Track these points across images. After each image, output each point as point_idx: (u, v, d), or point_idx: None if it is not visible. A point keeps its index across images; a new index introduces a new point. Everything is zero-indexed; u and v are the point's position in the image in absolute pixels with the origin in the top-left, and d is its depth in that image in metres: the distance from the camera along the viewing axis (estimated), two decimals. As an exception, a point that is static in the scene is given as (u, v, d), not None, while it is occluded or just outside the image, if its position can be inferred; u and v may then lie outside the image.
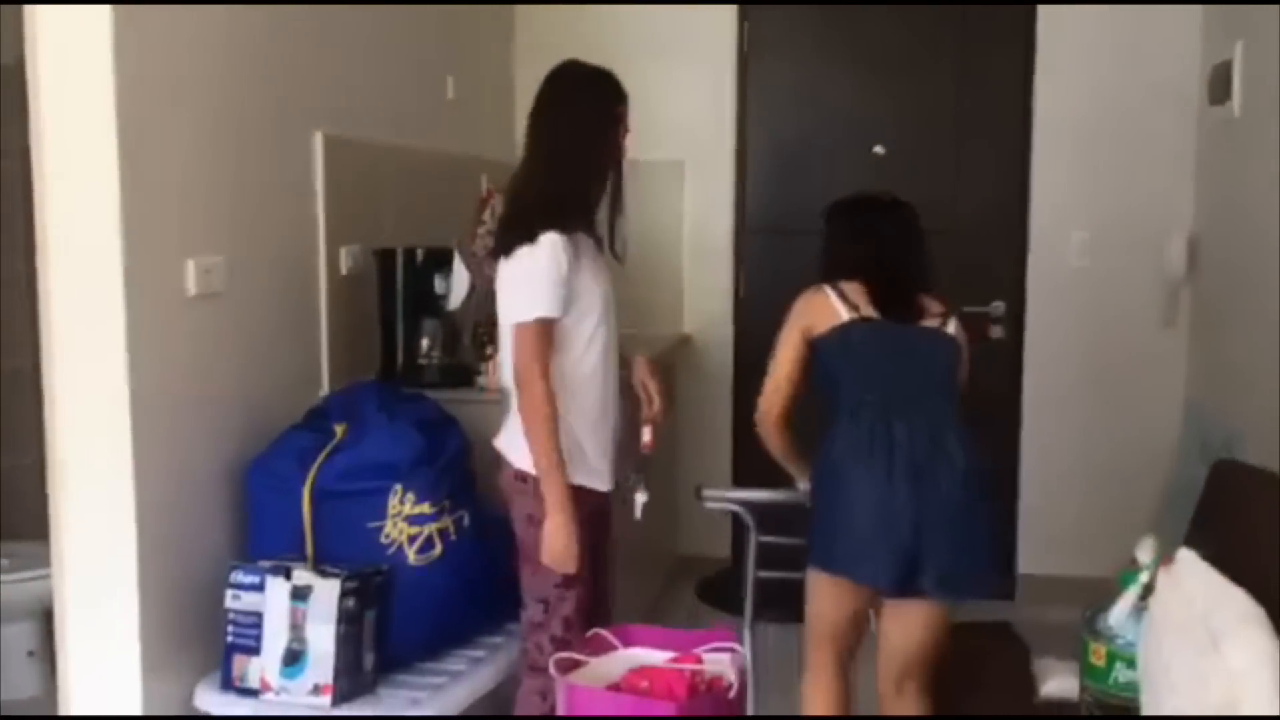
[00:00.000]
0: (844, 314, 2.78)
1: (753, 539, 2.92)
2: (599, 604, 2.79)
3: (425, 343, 3.42)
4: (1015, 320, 4.82)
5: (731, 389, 4.96)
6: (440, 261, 3.43)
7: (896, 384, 2.76)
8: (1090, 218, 4.76)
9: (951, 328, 2.84)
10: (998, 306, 4.85)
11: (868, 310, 2.79)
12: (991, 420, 4.62)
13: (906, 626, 2.79)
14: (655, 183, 4.89)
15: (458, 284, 3.38)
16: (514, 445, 2.66)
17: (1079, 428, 4.80)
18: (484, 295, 3.35)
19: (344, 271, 3.41)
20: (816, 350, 2.75)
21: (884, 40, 4.80)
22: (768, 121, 4.88)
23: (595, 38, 4.63)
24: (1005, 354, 4.85)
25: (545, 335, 2.53)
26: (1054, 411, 4.83)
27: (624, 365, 2.82)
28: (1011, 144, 4.77)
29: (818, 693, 2.86)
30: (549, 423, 2.52)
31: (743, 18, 4.85)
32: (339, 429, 2.93)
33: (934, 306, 2.87)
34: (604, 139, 2.65)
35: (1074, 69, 4.69)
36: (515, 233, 2.57)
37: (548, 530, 2.60)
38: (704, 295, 4.98)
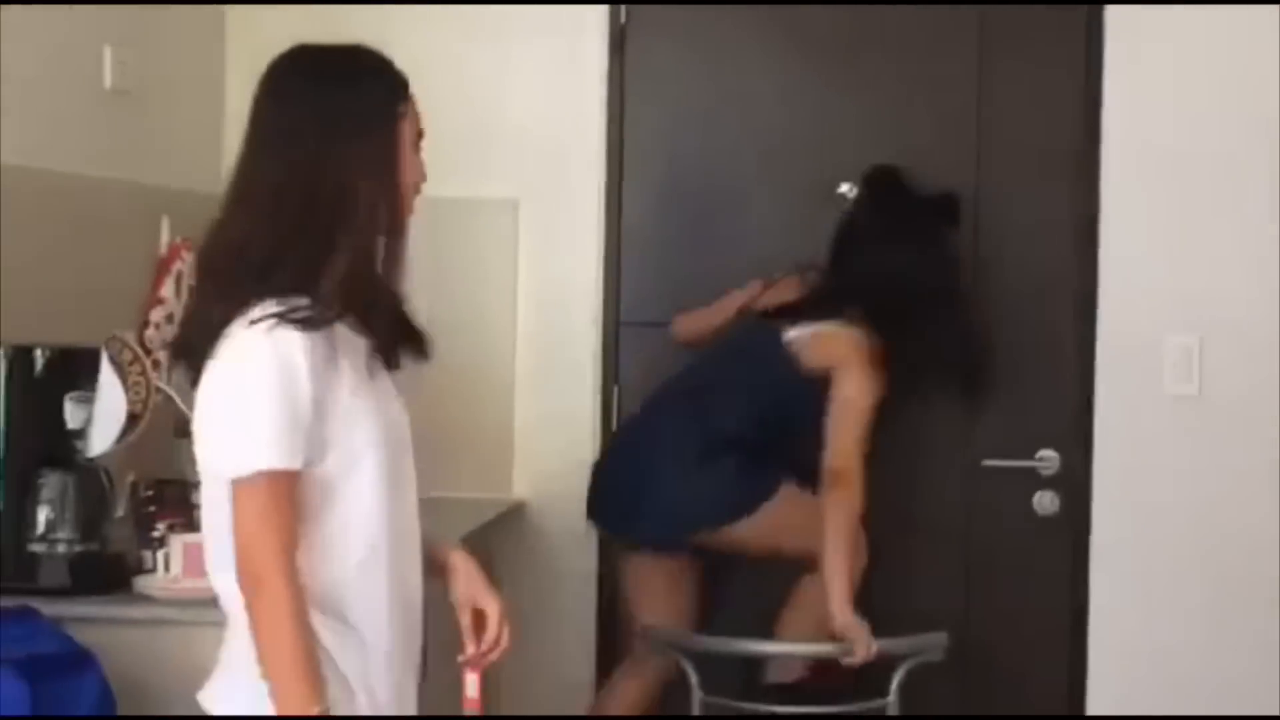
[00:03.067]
0: None
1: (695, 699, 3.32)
2: None
3: (45, 515, 2.83)
4: (1075, 482, 4.01)
5: (595, 586, 4.08)
6: (78, 371, 2.87)
7: None
8: (1198, 311, 3.98)
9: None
10: (1047, 458, 3.99)
11: None
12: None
13: None
14: (469, 235, 4.08)
15: (107, 411, 2.83)
16: (234, 693, 2.23)
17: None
18: (157, 428, 3.01)
19: (-98, 385, 2.88)
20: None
21: (854, 20, 4.11)
22: (659, 136, 4.14)
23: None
24: (1056, 548, 4.03)
25: (282, 499, 2.14)
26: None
27: (431, 566, 2.38)
28: (1062, 173, 4.08)
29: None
30: (300, 637, 2.09)
31: (618, -34, 4.22)
32: None
33: None
34: (374, 161, 2.22)
35: (1165, 87, 4.09)
36: (220, 315, 2.18)
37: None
38: (549, 432, 4.18)
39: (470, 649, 2.45)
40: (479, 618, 2.46)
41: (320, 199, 2.22)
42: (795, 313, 3.47)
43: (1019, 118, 4.12)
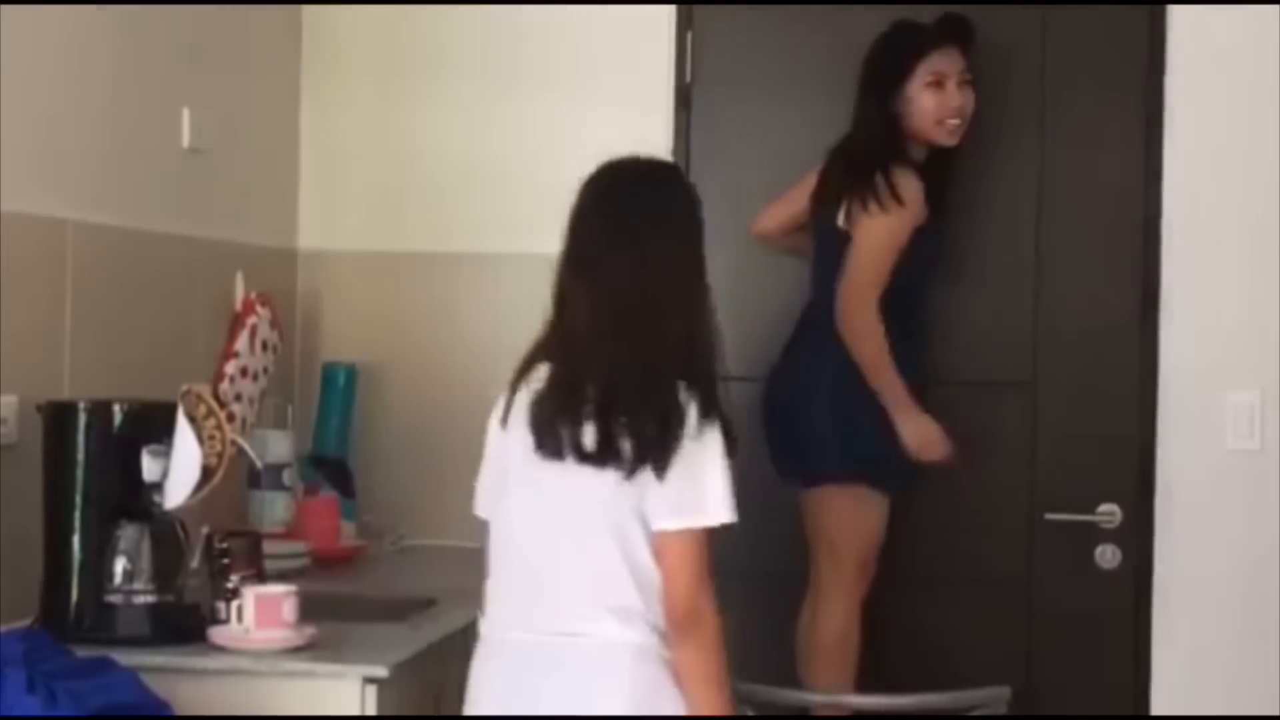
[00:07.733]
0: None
1: None
2: None
3: (122, 566, 2.89)
4: (1137, 536, 3.95)
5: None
6: (155, 425, 2.90)
7: None
8: (1261, 366, 3.88)
9: None
10: (1109, 512, 3.95)
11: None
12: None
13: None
14: (535, 291, 3.54)
15: (183, 465, 2.88)
16: None
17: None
18: (230, 481, 3.10)
19: (-14, 440, 2.96)
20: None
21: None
22: (725, 195, 3.93)
23: (440, 52, 3.84)
24: (1118, 601, 3.98)
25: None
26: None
27: None
28: (1126, 232, 3.99)
29: (854, 624, 3.50)
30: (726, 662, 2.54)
31: (684, 23, 4.00)
32: (-44, 716, 2.54)
33: None
34: (698, 267, 2.66)
35: (1231, 113, 3.93)
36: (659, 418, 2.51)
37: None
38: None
39: None
40: None
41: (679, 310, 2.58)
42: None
43: (1081, 163, 4.06)
